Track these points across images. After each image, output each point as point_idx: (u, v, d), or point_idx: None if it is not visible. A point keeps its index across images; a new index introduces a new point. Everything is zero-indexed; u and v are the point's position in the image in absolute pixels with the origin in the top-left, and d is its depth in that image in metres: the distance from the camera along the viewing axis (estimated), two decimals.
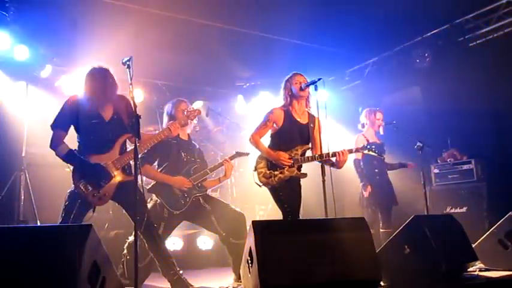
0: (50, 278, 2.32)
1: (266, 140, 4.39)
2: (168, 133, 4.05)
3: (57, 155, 3.64)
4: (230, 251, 4.46)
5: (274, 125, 4.29)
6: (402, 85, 7.51)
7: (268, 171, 4.16)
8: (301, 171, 4.27)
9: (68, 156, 3.64)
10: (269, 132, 4.36)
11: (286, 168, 4.12)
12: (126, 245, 4.27)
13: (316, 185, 4.07)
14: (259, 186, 4.22)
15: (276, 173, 4.14)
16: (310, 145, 4.30)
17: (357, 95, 8.18)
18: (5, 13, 5.72)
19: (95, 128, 3.69)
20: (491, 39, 6.43)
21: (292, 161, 4.16)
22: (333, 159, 4.15)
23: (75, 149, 3.70)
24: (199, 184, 4.54)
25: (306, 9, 6.05)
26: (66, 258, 2.35)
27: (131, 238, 4.25)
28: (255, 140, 4.27)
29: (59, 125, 3.67)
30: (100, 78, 3.71)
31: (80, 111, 3.68)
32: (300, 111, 4.36)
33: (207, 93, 8.48)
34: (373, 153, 4.32)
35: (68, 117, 3.69)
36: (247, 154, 5.09)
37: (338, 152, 4.10)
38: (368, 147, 4.32)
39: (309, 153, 4.33)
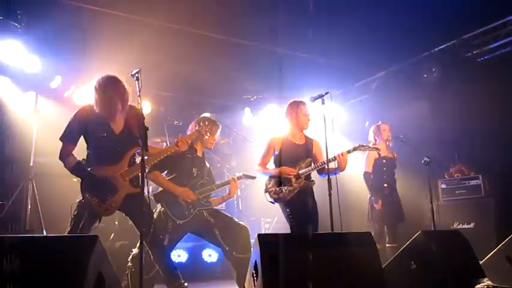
0: None
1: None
2: (175, 150, 4.01)
3: (65, 166, 3.66)
4: (234, 265, 4.43)
5: (275, 152, 4.57)
6: (409, 99, 7.49)
7: (277, 188, 4.40)
8: (309, 180, 4.44)
9: (75, 169, 3.65)
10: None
11: (293, 181, 4.23)
12: (130, 257, 4.25)
13: (323, 199, 4.07)
14: (273, 203, 4.48)
15: (284, 188, 4.36)
16: (311, 159, 4.44)
17: (364, 108, 8.18)
18: (16, 24, 5.79)
19: (105, 140, 3.68)
20: (498, 55, 6.42)
21: (296, 171, 4.39)
22: (334, 163, 4.32)
23: (83, 159, 3.71)
24: (205, 199, 4.54)
25: (315, 22, 6.10)
26: (71, 269, 2.35)
27: (135, 250, 4.25)
28: (261, 167, 4.57)
29: (68, 138, 3.68)
30: (110, 88, 3.64)
31: (89, 124, 3.68)
32: (298, 135, 4.62)
33: (214, 105, 8.52)
34: (370, 149, 4.68)
35: (77, 129, 3.69)
36: (254, 177, 5.19)
37: (338, 155, 4.30)
38: (364, 145, 4.55)
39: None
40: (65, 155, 3.65)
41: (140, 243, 3.13)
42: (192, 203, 4.41)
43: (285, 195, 4.35)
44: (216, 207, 4.75)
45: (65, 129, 3.70)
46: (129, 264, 4.18)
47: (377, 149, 4.94)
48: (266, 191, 4.50)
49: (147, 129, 3.28)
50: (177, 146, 4.00)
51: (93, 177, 3.62)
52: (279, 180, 4.39)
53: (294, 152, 4.52)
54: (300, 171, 4.41)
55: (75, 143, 3.71)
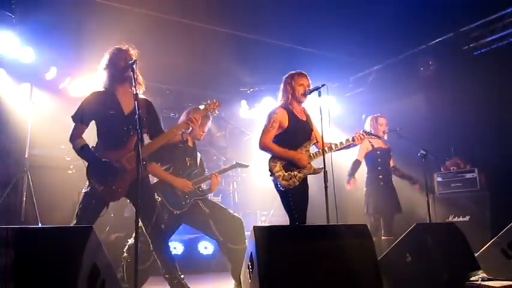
0: (50, 280, 2.31)
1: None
2: (186, 127, 4.00)
3: (73, 148, 3.65)
4: (228, 257, 4.45)
5: (281, 128, 4.11)
6: (406, 93, 7.50)
7: (286, 173, 3.96)
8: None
9: (82, 151, 3.63)
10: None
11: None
12: (126, 247, 4.25)
13: (318, 191, 4.05)
14: (282, 190, 3.97)
15: (294, 173, 3.98)
16: (314, 140, 4.23)
17: (361, 102, 8.18)
18: (11, 15, 5.74)
19: (113, 119, 3.65)
20: (495, 48, 6.43)
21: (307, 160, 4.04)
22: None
23: (92, 146, 3.68)
24: (200, 188, 4.56)
25: (311, 15, 6.07)
26: (66, 260, 2.34)
27: (131, 241, 4.24)
28: (267, 145, 4.03)
29: (78, 118, 3.65)
30: (120, 56, 3.72)
31: (99, 102, 3.66)
32: (299, 109, 4.25)
33: (211, 97, 8.45)
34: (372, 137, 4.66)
35: (87, 109, 3.66)
36: (247, 166, 5.16)
37: (355, 137, 4.20)
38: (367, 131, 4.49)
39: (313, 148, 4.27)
40: (74, 137, 3.64)
41: (136, 233, 3.11)
42: (188, 192, 4.42)
43: (295, 181, 3.94)
44: (210, 199, 4.77)
45: (76, 110, 3.68)
46: (125, 255, 4.18)
47: (378, 136, 5.06)
48: (273, 174, 3.98)
49: (143, 119, 3.28)
50: (190, 122, 3.94)
51: (99, 161, 3.59)
52: (286, 164, 3.96)
53: (300, 133, 4.14)
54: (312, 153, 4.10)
55: (85, 124, 3.68)
